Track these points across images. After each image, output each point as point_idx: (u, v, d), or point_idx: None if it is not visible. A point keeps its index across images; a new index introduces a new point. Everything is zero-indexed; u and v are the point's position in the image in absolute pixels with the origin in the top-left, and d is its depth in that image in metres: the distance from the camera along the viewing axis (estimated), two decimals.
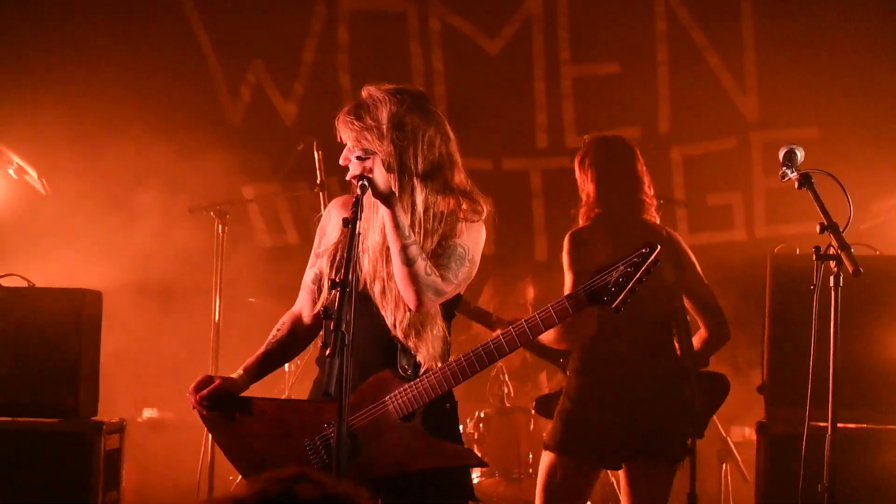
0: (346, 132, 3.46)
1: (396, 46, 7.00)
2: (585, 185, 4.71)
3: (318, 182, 5.61)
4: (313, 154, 5.60)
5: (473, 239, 3.58)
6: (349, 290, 3.14)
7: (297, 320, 3.72)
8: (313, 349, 3.97)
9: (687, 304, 4.75)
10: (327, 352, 3.16)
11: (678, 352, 4.68)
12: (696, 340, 4.81)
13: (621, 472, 4.74)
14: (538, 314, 3.55)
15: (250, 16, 6.93)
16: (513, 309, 5.52)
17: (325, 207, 5.39)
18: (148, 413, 6.49)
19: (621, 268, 3.40)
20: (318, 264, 3.66)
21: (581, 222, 4.72)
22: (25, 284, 5.34)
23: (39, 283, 5.39)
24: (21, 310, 5.21)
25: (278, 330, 3.75)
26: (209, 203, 5.95)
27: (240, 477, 4.09)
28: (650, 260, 3.38)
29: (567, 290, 4.49)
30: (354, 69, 6.64)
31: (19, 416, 5.08)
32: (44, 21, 6.88)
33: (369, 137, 3.41)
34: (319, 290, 3.64)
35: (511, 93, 7.12)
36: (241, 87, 7.02)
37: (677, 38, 7.26)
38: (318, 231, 3.72)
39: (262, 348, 3.74)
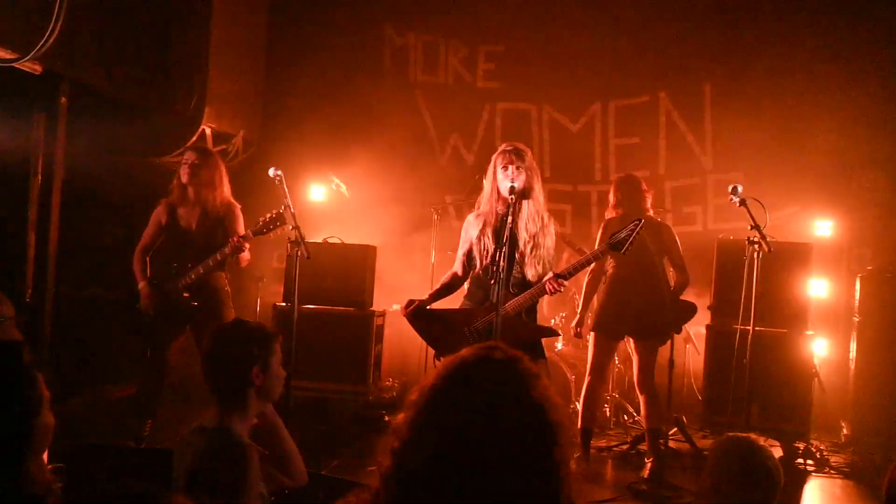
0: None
1: (525, 130, 8.19)
2: (615, 196, 5.87)
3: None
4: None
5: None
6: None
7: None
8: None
9: (666, 262, 5.78)
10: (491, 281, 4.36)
11: (661, 282, 5.57)
12: (672, 282, 5.72)
13: (632, 345, 5.75)
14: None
15: (448, 110, 8.22)
16: None
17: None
18: (396, 307, 6.88)
19: (626, 230, 4.43)
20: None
21: (612, 215, 5.80)
22: (339, 242, 7.09)
23: (347, 241, 7.08)
24: (332, 255, 6.85)
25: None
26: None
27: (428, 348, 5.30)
28: (639, 227, 4.45)
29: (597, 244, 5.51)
30: (504, 139, 6.50)
31: (335, 305, 6.80)
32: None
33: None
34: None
35: (583, 154, 7.95)
36: (446, 146, 8.25)
37: (670, 123, 8.25)
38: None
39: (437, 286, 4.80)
